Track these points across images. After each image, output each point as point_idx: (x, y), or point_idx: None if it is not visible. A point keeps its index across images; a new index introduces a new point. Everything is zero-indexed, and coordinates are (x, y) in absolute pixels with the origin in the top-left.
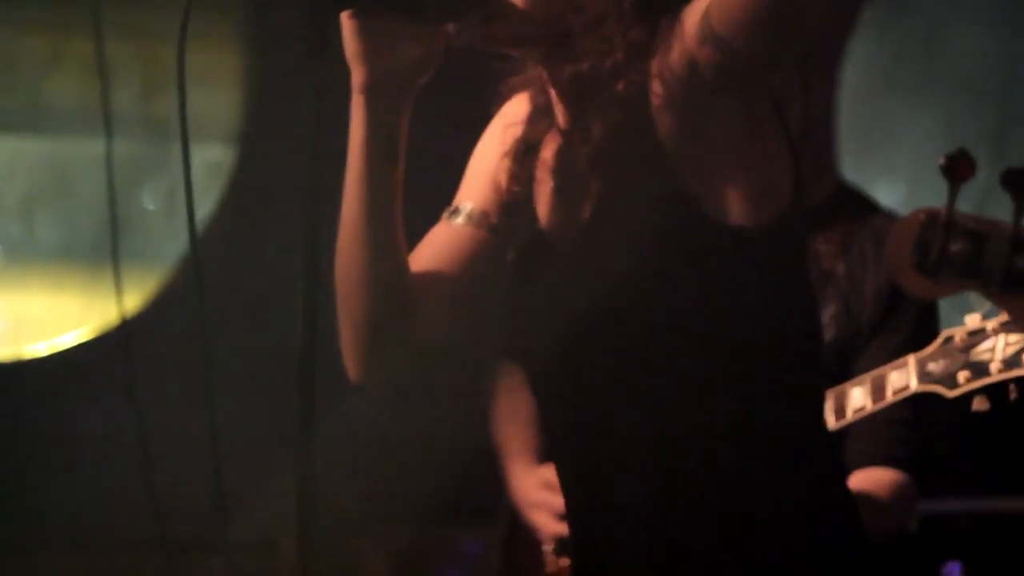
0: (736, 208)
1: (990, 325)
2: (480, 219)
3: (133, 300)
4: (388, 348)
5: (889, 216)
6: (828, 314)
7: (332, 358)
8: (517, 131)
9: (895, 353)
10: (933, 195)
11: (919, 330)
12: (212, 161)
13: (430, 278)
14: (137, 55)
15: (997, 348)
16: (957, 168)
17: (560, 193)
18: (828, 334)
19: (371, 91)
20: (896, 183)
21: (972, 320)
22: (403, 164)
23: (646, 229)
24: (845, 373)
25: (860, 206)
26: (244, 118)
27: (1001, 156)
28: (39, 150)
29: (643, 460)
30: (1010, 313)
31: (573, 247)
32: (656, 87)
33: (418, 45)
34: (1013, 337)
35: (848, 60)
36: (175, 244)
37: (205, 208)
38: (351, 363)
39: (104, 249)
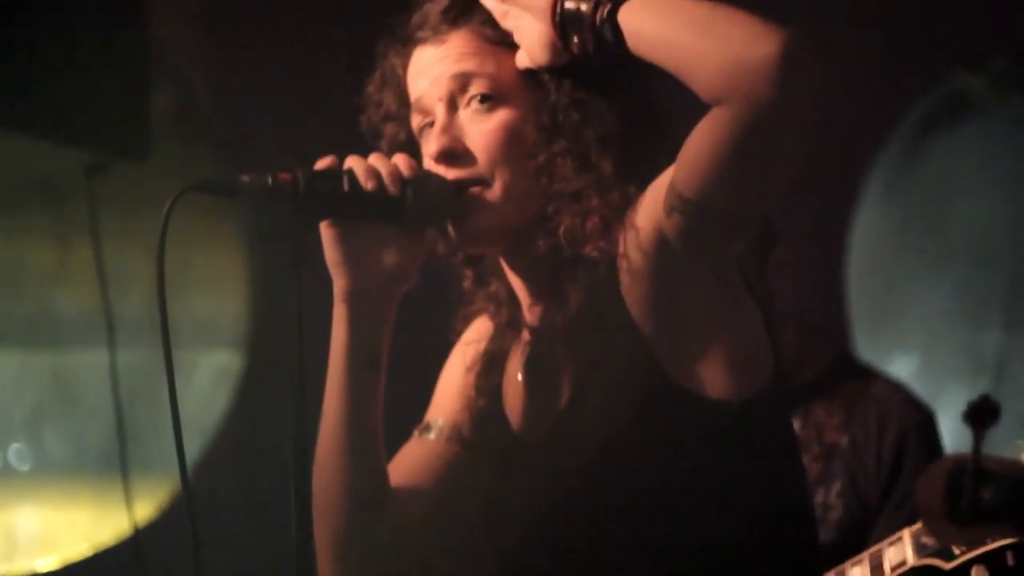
0: (715, 381)
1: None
2: (452, 434)
3: (145, 510)
4: (364, 567)
5: (891, 384)
6: (835, 491)
7: None
8: (480, 347)
9: (905, 528)
10: (947, 366)
11: None
12: (220, 366)
13: (405, 493)
14: (139, 262)
15: None
16: (981, 414)
17: (532, 391)
18: (836, 512)
19: (352, 299)
20: (911, 353)
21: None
22: (384, 373)
23: (623, 408)
24: (861, 550)
25: (860, 374)
26: (249, 324)
27: (1014, 322)
28: (46, 362)
29: None
30: None
31: (549, 439)
32: (624, 260)
33: (398, 253)
34: None
35: (856, 229)
36: (186, 451)
37: (214, 414)
38: (325, 571)
39: (114, 460)
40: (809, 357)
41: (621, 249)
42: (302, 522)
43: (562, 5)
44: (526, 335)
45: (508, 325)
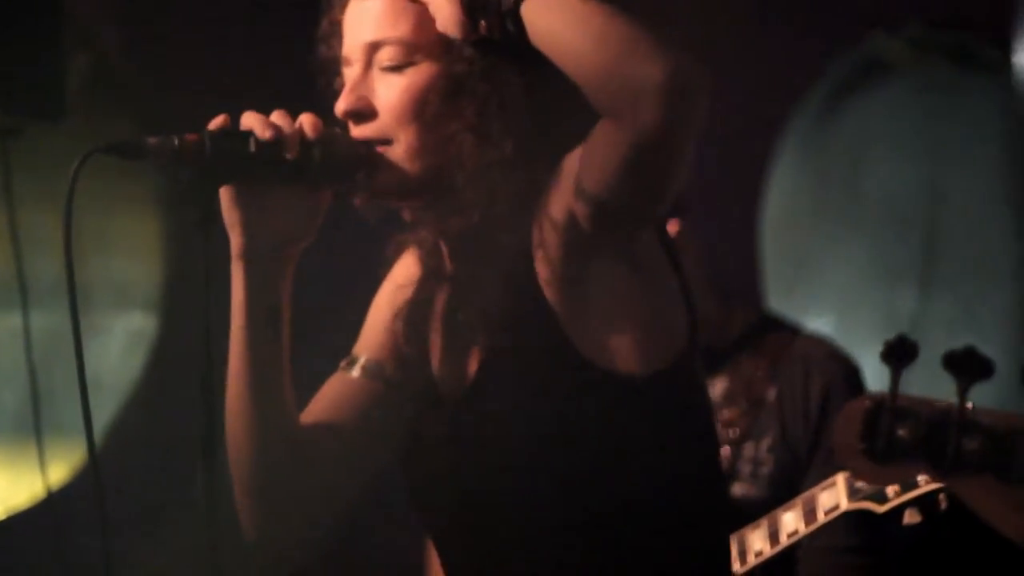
0: (625, 357)
1: None
2: (375, 371)
3: (58, 473)
4: (279, 506)
5: (815, 339)
6: (765, 446)
7: None
8: (407, 293)
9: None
10: (860, 326)
11: None
12: (135, 328)
13: (324, 431)
14: (53, 225)
15: None
16: (898, 353)
17: (449, 348)
18: (767, 466)
19: (247, 258)
20: (825, 313)
21: None
22: (288, 325)
23: (533, 381)
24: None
25: (785, 330)
26: (162, 286)
27: (928, 283)
28: None
29: None
30: (962, 495)
31: (463, 401)
32: (537, 238)
33: (297, 212)
34: None
35: (771, 191)
36: (101, 414)
37: (129, 376)
38: (244, 522)
39: (27, 423)
40: (733, 320)
41: (534, 228)
42: (210, 484)
43: None
44: (447, 288)
45: (434, 274)
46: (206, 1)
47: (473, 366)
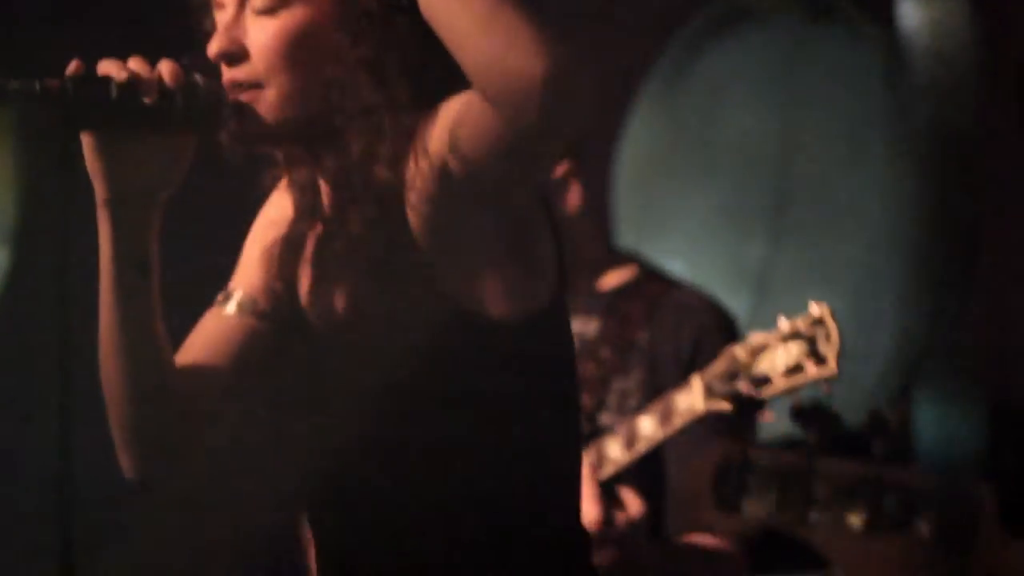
0: (495, 303)
1: (772, 338)
2: (250, 306)
3: None
4: (156, 447)
5: (693, 290)
6: (634, 380)
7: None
8: (281, 230)
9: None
10: (710, 277)
11: None
12: None
13: (199, 369)
14: None
15: (778, 359)
16: (747, 403)
17: (318, 285)
18: (634, 399)
19: (112, 206)
20: (674, 263)
21: (755, 336)
22: (158, 270)
23: (401, 324)
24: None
25: (662, 281)
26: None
27: (778, 233)
28: None
29: (404, 541)
30: (814, 543)
31: (331, 338)
32: (411, 183)
33: (159, 159)
34: (794, 347)
35: (625, 141)
36: None
37: None
38: (124, 462)
39: None
40: (618, 264)
41: (409, 173)
42: (65, 426)
43: None
44: (320, 227)
45: (308, 211)
46: None
47: (341, 303)
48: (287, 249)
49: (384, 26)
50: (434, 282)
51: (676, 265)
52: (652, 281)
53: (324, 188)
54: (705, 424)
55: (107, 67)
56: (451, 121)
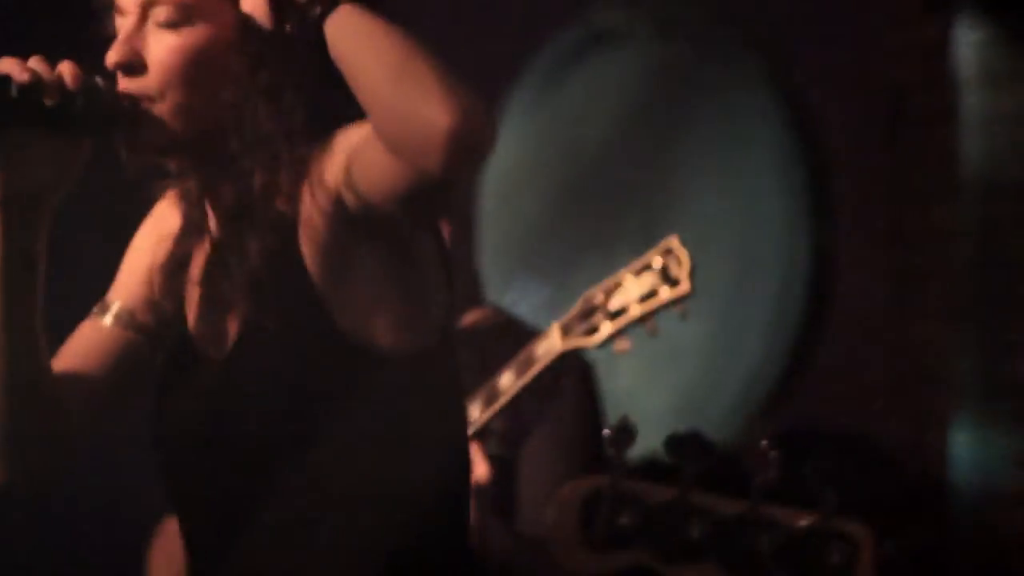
0: (384, 335)
1: (624, 275)
2: (127, 319)
3: None
4: (30, 450)
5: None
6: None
7: None
8: (167, 246)
9: (557, 440)
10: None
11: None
12: None
13: (73, 378)
14: None
15: (631, 291)
16: (619, 438)
17: (207, 308)
18: (499, 422)
19: (5, 205)
20: (544, 286)
21: (609, 279)
22: (43, 271)
23: (291, 353)
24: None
25: (525, 329)
26: None
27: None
28: None
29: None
30: None
31: (222, 363)
32: (304, 211)
33: (55, 161)
34: (647, 277)
35: (491, 163)
36: None
37: None
38: None
39: None
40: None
41: (304, 205)
42: None
43: None
44: (208, 246)
45: (196, 228)
46: None
47: (233, 330)
48: (174, 266)
49: (285, 54)
50: (326, 313)
51: (545, 291)
52: (516, 326)
53: (211, 210)
54: (562, 447)
55: (7, 66)
56: (347, 156)
